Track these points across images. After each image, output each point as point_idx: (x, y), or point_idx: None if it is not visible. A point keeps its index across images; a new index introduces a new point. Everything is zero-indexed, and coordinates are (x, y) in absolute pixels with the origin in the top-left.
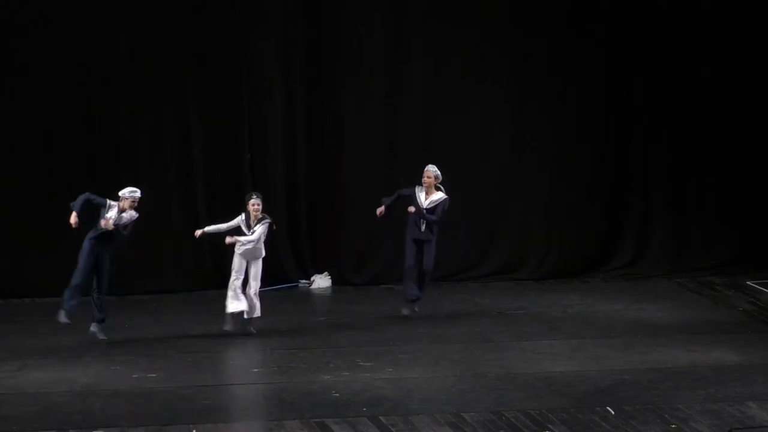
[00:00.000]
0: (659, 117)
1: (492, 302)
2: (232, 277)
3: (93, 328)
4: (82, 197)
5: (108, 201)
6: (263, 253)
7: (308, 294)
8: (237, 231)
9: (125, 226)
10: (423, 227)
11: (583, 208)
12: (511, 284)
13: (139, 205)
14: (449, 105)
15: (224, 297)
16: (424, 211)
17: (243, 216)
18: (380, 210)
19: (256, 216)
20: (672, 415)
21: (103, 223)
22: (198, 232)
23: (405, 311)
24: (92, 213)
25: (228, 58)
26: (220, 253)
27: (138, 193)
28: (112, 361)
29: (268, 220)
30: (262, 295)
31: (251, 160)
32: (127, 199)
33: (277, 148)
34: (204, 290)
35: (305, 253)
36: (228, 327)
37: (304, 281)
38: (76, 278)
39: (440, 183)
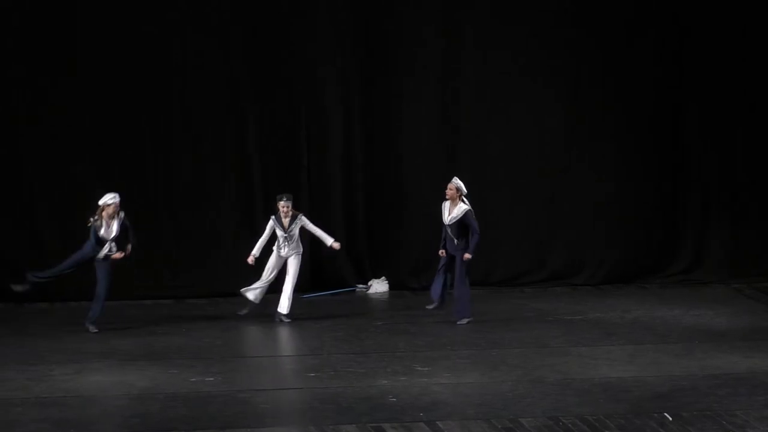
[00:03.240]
0: (714, 122)
1: (549, 307)
2: (266, 274)
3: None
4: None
5: (92, 229)
6: (301, 249)
7: (366, 299)
8: (273, 233)
9: (125, 234)
10: (455, 241)
11: (640, 213)
12: (568, 289)
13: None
14: (503, 110)
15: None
16: (447, 227)
17: (273, 218)
18: (442, 252)
19: (285, 214)
20: (729, 421)
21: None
22: (251, 261)
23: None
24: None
25: (283, 65)
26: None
27: (118, 198)
28: (170, 364)
29: (299, 214)
30: (319, 299)
31: (309, 167)
32: (109, 206)
33: (334, 154)
34: None
35: (363, 258)
36: (244, 311)
37: (361, 286)
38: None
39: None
